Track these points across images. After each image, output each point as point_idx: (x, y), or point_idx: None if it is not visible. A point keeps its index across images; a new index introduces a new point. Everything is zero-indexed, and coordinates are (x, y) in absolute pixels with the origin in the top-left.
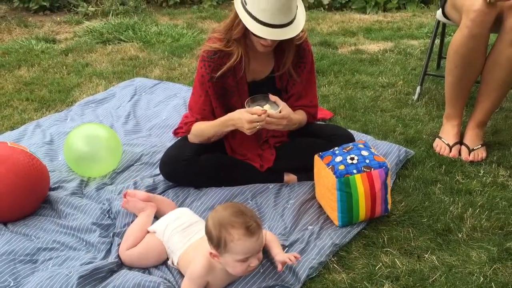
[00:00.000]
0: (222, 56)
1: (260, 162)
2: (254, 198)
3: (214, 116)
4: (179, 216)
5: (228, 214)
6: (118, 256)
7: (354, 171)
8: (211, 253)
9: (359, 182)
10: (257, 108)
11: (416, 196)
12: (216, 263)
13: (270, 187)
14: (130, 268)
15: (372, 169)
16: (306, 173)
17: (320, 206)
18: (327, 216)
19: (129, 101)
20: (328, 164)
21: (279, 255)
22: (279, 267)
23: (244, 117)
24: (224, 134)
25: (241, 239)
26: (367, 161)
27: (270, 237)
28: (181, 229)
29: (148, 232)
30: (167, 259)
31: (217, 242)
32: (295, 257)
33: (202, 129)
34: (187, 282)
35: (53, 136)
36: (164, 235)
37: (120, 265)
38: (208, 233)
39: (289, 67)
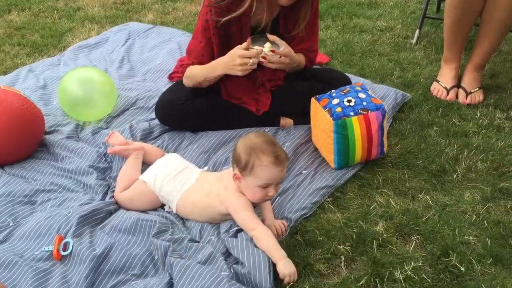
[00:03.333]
0: (231, 2)
1: (256, 106)
2: None
3: None
4: (168, 163)
5: (260, 141)
6: (114, 199)
7: (351, 113)
8: (235, 175)
9: (355, 124)
10: (257, 49)
11: (412, 139)
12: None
13: (266, 130)
14: (127, 210)
15: (369, 111)
16: (302, 117)
17: (316, 149)
18: (323, 158)
19: (123, 45)
20: (325, 107)
21: (268, 221)
22: None
23: (236, 53)
24: (214, 80)
25: (269, 165)
26: (364, 103)
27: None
28: (171, 177)
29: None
30: (163, 205)
31: (244, 164)
32: (281, 227)
33: (194, 72)
34: (241, 214)
35: (47, 81)
36: (155, 185)
37: (118, 207)
38: (236, 156)
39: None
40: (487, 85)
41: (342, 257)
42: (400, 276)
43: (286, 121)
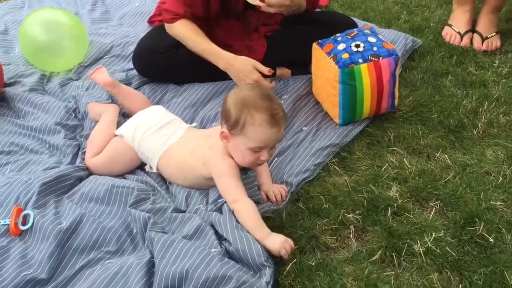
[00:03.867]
0: None
1: (249, 54)
2: None
3: (205, 12)
4: (150, 115)
5: (255, 95)
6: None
7: (360, 60)
8: (222, 133)
9: (365, 72)
10: None
11: (424, 90)
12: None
13: None
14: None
15: (381, 57)
16: (301, 66)
17: (317, 103)
18: (326, 113)
19: None
20: (329, 53)
21: (266, 186)
22: (263, 197)
23: (252, 76)
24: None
25: (263, 125)
26: (375, 48)
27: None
28: (153, 131)
29: (115, 136)
30: (143, 164)
31: (234, 121)
32: (280, 192)
33: (186, 39)
34: (223, 180)
35: (8, 25)
36: (133, 140)
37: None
38: (225, 110)
39: None
40: (504, 30)
41: (352, 227)
42: (420, 249)
43: (283, 71)
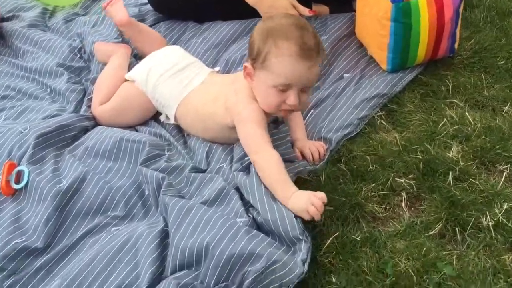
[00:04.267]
0: None
1: None
2: None
3: None
4: (166, 57)
5: (287, 23)
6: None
7: None
8: (245, 68)
9: (423, 8)
10: None
11: (488, 32)
12: None
13: None
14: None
15: None
16: (341, 3)
17: (361, 45)
18: (371, 57)
19: None
20: None
21: (300, 142)
22: (297, 154)
23: (289, 9)
24: None
25: (292, 56)
26: None
27: (297, 114)
28: (170, 75)
29: (126, 80)
30: (158, 114)
31: (256, 52)
32: (318, 150)
33: None
34: (246, 127)
35: None
36: (146, 85)
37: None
38: (251, 42)
39: None
40: None
41: (404, 194)
42: (489, 222)
43: (320, 9)
